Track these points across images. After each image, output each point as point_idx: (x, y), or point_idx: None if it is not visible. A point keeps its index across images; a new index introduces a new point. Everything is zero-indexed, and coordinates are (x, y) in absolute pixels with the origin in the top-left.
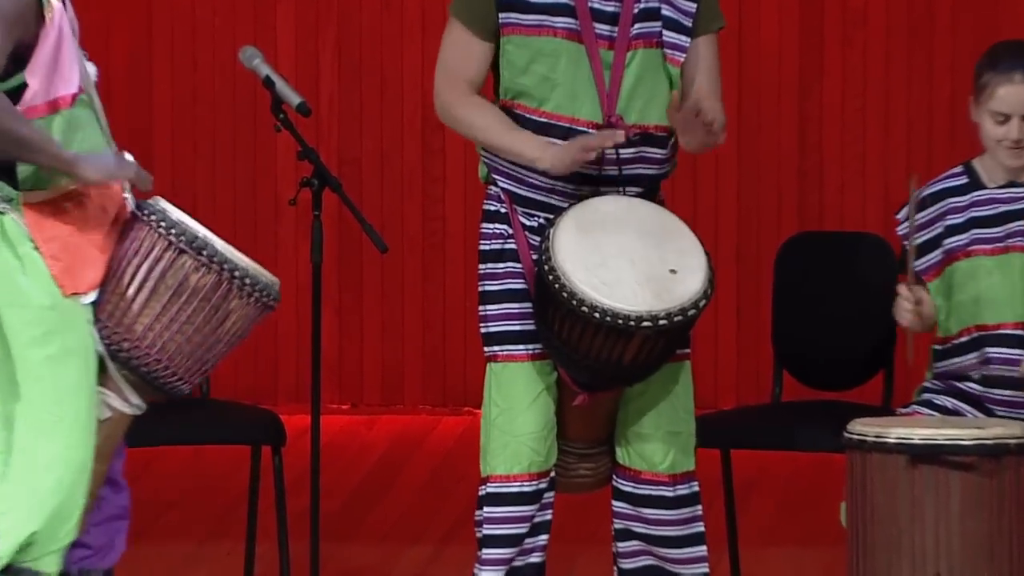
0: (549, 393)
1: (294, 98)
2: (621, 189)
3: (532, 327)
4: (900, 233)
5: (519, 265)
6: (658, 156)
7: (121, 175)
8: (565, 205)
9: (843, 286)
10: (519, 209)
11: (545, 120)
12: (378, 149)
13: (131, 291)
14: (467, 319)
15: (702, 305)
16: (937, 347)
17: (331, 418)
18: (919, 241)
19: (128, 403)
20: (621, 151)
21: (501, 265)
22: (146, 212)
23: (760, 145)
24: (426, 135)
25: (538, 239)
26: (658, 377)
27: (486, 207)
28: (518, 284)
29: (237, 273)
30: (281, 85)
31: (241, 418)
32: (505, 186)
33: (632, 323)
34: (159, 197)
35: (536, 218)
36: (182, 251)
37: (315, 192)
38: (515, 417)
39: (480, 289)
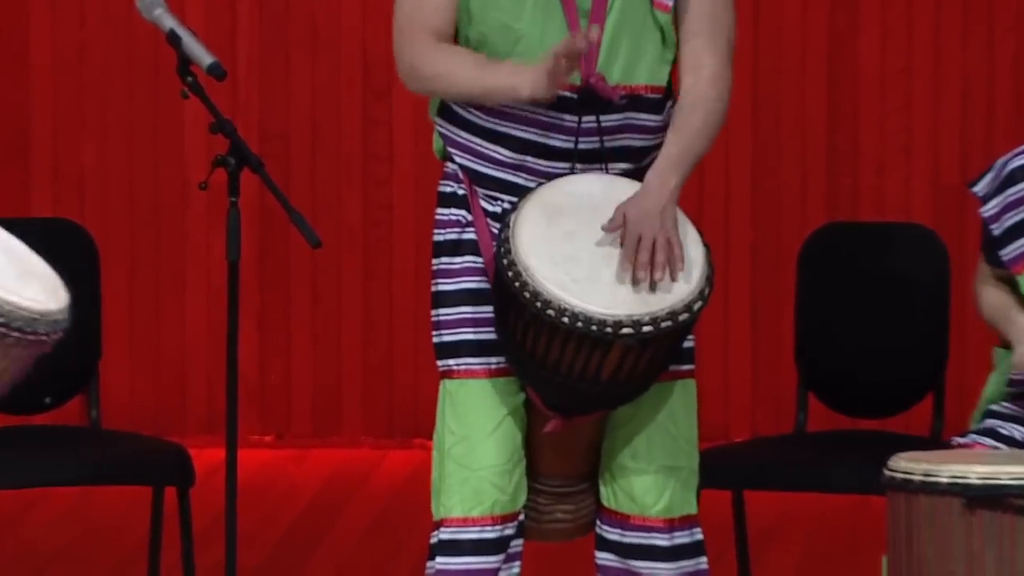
0: (516, 417)
1: (205, 57)
2: (604, 165)
3: (494, 336)
4: (985, 216)
5: (479, 260)
6: (650, 124)
7: None
8: (534, 185)
9: (883, 290)
10: (480, 191)
11: None
12: (309, 121)
13: None
14: (418, 330)
15: (697, 308)
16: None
17: (251, 452)
18: (1008, 224)
19: None
20: (604, 119)
21: (457, 260)
22: None
23: (780, 116)
24: (368, 103)
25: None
26: (652, 399)
27: (441, 189)
28: (478, 283)
29: (3, 319)
30: (189, 41)
31: (140, 453)
32: (463, 162)
33: (609, 330)
34: None
35: (500, 202)
36: None
37: (231, 173)
38: (474, 446)
39: (433, 289)
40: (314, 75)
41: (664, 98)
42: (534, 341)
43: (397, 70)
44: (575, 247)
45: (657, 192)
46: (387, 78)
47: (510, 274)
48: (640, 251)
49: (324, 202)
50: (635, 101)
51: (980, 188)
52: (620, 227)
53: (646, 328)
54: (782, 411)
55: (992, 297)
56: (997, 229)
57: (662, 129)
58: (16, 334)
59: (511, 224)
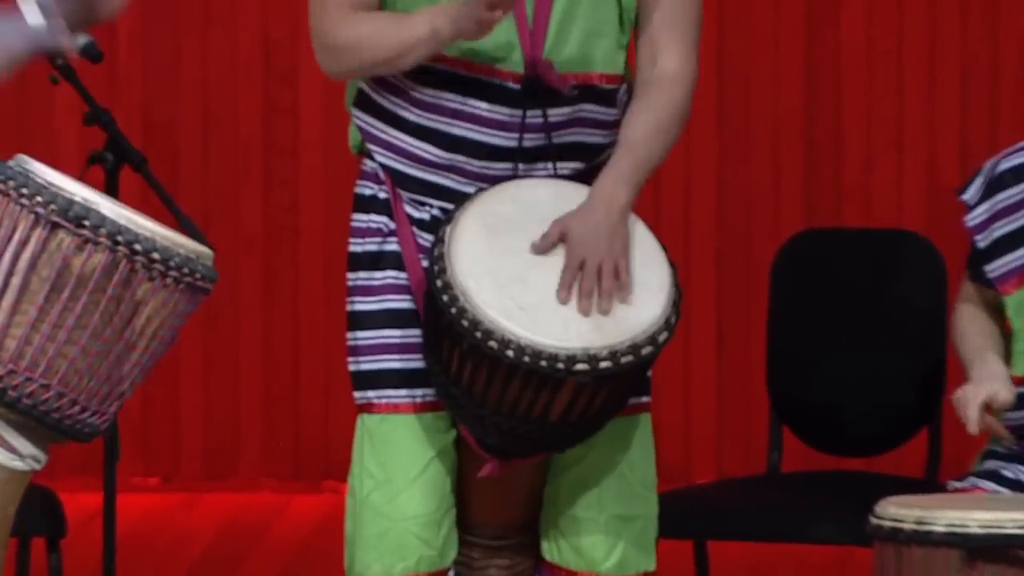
0: (445, 459)
1: (78, 36)
2: (551, 165)
3: (421, 364)
4: (970, 225)
5: (403, 275)
6: (603, 118)
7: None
8: (470, 190)
9: (870, 307)
10: (404, 195)
11: (441, 67)
12: (200, 109)
13: None
14: (329, 354)
15: (662, 340)
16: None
17: (133, 497)
18: (997, 235)
19: (16, 455)
20: (550, 112)
21: (378, 275)
22: None
23: (750, 104)
24: (270, 88)
25: (430, 238)
26: (604, 437)
27: (359, 190)
28: (401, 302)
29: (138, 247)
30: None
31: None
32: (385, 161)
33: (561, 365)
34: (22, 155)
35: (428, 208)
36: (56, 226)
37: (109, 170)
38: (397, 493)
39: (348, 309)
40: (206, 56)
41: (620, 87)
42: (472, 375)
43: (314, 53)
44: (522, 267)
45: (604, 209)
46: (292, 59)
47: (445, 298)
48: (584, 278)
49: (218, 204)
50: (587, 92)
51: (970, 195)
52: (554, 245)
53: (604, 364)
54: (752, 448)
55: (967, 323)
56: (983, 240)
57: (617, 124)
58: (175, 273)
59: (446, 238)
